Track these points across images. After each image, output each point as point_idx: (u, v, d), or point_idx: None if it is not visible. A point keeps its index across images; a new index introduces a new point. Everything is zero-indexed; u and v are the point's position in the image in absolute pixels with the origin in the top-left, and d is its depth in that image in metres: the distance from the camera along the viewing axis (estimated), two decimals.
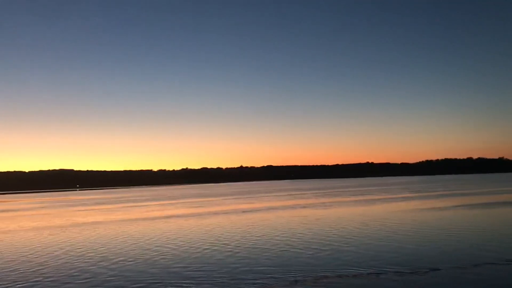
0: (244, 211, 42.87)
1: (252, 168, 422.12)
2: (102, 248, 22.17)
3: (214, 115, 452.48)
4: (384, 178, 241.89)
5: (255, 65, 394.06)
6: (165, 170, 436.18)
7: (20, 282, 15.24)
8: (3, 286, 14.76)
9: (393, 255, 17.87)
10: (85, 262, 18.61)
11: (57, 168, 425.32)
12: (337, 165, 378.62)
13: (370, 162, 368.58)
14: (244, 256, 18.69)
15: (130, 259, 18.85)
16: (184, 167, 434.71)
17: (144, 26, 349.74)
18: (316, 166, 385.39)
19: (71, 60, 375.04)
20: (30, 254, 21.24)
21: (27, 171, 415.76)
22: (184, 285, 14.10)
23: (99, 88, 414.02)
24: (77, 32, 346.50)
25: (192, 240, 23.92)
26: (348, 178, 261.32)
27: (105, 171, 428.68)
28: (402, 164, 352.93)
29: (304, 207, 46.35)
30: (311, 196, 70.86)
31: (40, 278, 15.77)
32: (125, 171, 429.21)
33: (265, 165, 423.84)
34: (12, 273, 16.81)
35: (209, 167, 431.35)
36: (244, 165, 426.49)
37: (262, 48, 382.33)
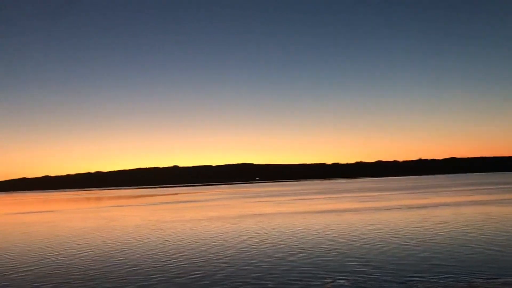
0: (420, 207, 39.90)
1: (432, 160, 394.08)
2: (275, 240, 22.77)
3: (388, 107, 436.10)
4: None
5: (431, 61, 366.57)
6: (338, 163, 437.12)
7: (199, 269, 16.46)
8: (188, 271, 16.09)
9: None
10: (260, 254, 19.16)
11: (239, 162, 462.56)
12: None
13: None
14: (413, 254, 17.11)
15: (300, 253, 18.85)
16: (358, 160, 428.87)
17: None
18: (510, 157, 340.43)
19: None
20: (209, 243, 22.97)
21: (214, 165, 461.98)
22: (353, 281, 13.44)
23: (273, 90, 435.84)
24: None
25: (362, 235, 22.97)
26: None
27: (281, 165, 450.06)
28: None
29: (488, 203, 41.04)
30: (498, 191, 62.62)
31: (218, 268, 16.74)
32: (300, 165, 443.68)
33: (447, 157, 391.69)
34: (195, 259, 18.35)
35: (384, 160, 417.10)
36: (423, 158, 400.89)
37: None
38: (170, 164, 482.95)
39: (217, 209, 48.03)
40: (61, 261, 18.83)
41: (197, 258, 18.32)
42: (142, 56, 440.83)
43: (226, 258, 17.93)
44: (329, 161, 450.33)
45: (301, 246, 20.40)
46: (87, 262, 18.19)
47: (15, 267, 17.91)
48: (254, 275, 14.80)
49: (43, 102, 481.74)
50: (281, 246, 20.59)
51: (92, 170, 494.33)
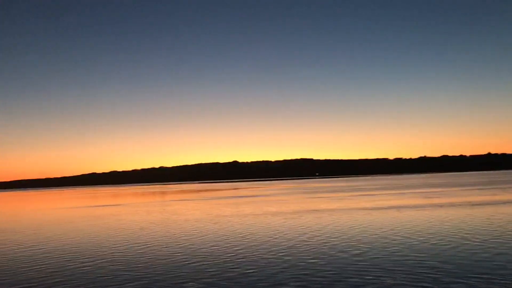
0: (489, 203, 37.80)
1: (503, 155, 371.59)
2: (336, 236, 22.44)
3: (454, 100, 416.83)
4: None
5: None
6: (401, 158, 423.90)
7: (267, 265, 16.55)
8: (255, 267, 16.24)
9: None
10: (323, 251, 18.94)
11: (298, 157, 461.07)
12: None
13: None
14: (495, 253, 16.21)
15: (366, 251, 18.46)
16: (422, 155, 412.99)
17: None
18: None
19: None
20: (270, 238, 23.04)
21: (272, 160, 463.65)
22: (430, 280, 13.00)
23: (334, 84, 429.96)
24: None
25: (429, 233, 22.08)
26: None
27: (341, 160, 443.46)
28: None
29: None
30: None
31: (284, 264, 16.70)
32: (361, 160, 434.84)
33: None
34: (259, 255, 18.48)
35: (450, 154, 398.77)
36: (492, 152, 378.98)
37: None
38: (230, 160, 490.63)
39: (276, 204, 48.16)
40: (128, 254, 19.64)
41: (261, 253, 18.33)
42: (203, 54, 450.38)
43: (291, 255, 17.74)
44: (391, 156, 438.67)
45: (365, 243, 19.90)
46: (154, 256, 18.83)
47: (87, 260, 18.89)
48: (321, 272, 14.60)
49: (114, 101, 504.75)
50: (344, 243, 20.15)
51: (157, 166, 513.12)
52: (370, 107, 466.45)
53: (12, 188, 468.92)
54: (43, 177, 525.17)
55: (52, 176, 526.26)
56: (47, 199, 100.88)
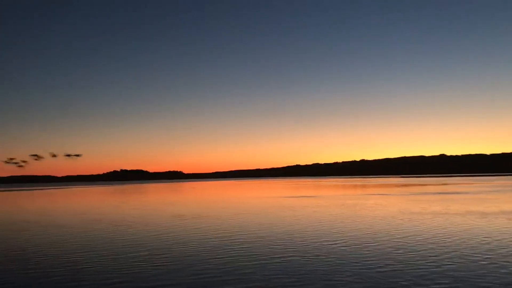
0: None
1: None
2: None
3: None
4: None
5: None
6: None
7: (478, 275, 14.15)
8: (451, 271, 14.08)
9: None
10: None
11: None
12: None
13: None
14: None
15: None
16: None
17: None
18: None
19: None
20: (469, 243, 19.80)
21: (488, 153, 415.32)
22: None
23: None
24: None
25: None
26: None
27: None
28: None
29: None
30: None
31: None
32: None
33: None
34: (454, 260, 15.95)
35: None
36: None
37: None
38: (437, 153, 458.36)
39: (486, 203, 41.94)
40: (300, 247, 19.11)
41: (470, 260, 15.65)
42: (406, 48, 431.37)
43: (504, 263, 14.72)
44: None
45: None
46: (324, 252, 17.88)
47: (263, 251, 19.00)
48: None
49: (318, 99, 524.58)
50: None
51: (357, 158, 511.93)
52: None
53: (230, 177, 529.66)
54: (255, 168, 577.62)
55: (262, 167, 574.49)
56: (257, 188, 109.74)
